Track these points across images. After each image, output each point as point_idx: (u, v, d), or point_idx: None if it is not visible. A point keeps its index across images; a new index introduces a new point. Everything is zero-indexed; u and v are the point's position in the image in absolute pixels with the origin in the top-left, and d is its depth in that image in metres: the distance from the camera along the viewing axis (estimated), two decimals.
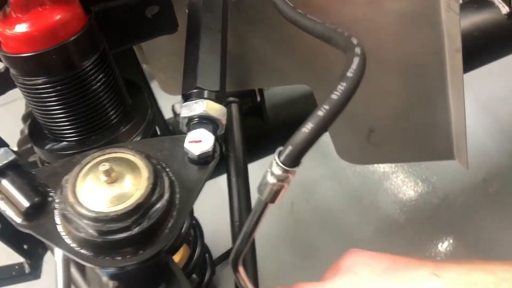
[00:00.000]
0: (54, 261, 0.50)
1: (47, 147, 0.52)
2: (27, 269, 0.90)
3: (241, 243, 0.44)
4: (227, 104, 0.89)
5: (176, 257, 0.61)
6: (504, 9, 1.04)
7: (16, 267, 0.94)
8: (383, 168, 1.49)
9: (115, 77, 0.50)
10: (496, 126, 1.57)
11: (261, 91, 0.99)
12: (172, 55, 0.77)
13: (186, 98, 0.49)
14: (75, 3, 0.45)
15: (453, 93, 0.82)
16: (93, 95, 0.48)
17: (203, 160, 0.44)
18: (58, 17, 0.43)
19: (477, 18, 1.04)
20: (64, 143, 0.51)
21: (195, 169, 0.44)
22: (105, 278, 0.44)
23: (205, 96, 0.48)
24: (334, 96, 0.36)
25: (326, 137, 0.67)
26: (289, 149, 0.36)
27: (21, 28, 0.43)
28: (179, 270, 0.45)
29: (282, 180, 0.37)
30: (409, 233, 1.32)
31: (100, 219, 0.37)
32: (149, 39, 0.60)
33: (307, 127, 0.36)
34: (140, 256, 0.39)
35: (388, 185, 1.45)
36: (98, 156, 0.40)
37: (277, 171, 0.37)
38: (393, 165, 1.50)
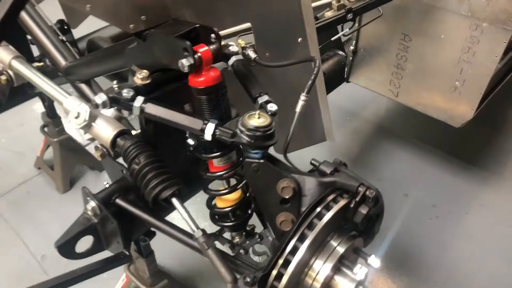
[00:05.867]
0: None
1: None
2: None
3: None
4: None
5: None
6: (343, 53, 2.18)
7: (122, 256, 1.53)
8: None
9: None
10: None
11: None
12: None
13: None
14: (218, 70, 1.22)
15: (321, 99, 1.77)
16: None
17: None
18: (215, 73, 1.21)
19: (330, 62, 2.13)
20: None
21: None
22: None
23: None
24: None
25: None
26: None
27: (205, 76, 1.19)
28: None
29: None
30: None
31: (260, 126, 1.14)
32: None
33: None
34: (273, 140, 1.16)
35: None
36: (252, 112, 1.17)
37: None
38: None
